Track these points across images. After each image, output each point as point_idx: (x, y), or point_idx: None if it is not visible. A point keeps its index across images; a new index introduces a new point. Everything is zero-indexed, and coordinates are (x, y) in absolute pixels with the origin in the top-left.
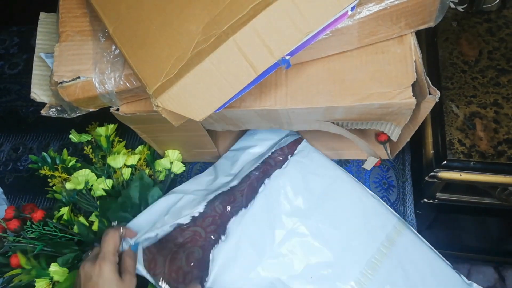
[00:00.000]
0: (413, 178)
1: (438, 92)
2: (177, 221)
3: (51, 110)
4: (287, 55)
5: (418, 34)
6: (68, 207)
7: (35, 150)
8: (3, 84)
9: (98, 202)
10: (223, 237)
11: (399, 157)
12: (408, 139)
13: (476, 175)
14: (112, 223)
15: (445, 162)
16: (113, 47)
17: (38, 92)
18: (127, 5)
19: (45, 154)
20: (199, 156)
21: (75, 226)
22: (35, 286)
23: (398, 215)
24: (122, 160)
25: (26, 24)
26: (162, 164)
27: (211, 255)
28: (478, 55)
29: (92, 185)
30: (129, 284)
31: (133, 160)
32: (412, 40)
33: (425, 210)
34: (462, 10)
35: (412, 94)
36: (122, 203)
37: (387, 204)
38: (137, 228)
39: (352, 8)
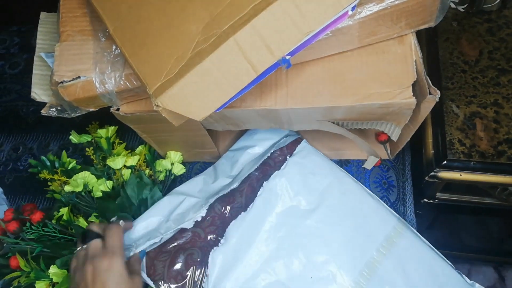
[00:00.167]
0: (413, 178)
1: (438, 92)
2: (180, 225)
3: (51, 109)
4: (287, 55)
5: (419, 34)
6: (67, 207)
7: (35, 150)
8: (4, 84)
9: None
10: (222, 240)
11: (399, 157)
12: (408, 139)
13: (476, 175)
14: (111, 219)
15: (445, 162)
16: (114, 47)
17: (39, 92)
18: (128, 5)
19: (44, 158)
20: (199, 156)
21: (74, 229)
22: (35, 287)
23: (398, 215)
24: (121, 162)
25: (27, 24)
26: (163, 164)
27: (210, 258)
28: (478, 55)
29: (92, 187)
30: (138, 285)
31: (132, 161)
32: (412, 40)
33: (425, 210)
34: (462, 10)
35: (412, 94)
36: (121, 204)
37: (387, 204)
38: (140, 229)
39: (353, 8)
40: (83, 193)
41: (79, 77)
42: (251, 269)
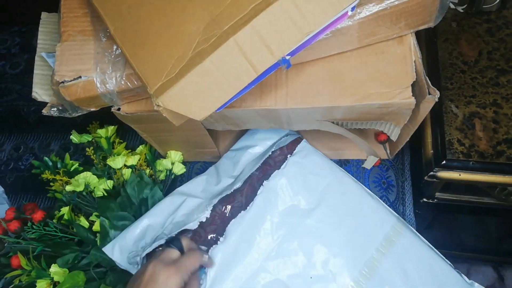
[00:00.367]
0: (413, 178)
1: (438, 92)
2: (185, 226)
3: (52, 109)
4: (287, 55)
5: (418, 34)
6: (68, 206)
7: (36, 149)
8: (5, 84)
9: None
10: (221, 239)
11: (398, 157)
12: (408, 139)
13: (475, 174)
14: (201, 247)
15: (444, 162)
16: (114, 47)
17: (40, 92)
18: (128, 5)
19: (46, 158)
20: (199, 155)
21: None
22: (36, 286)
23: (397, 215)
24: (121, 161)
25: (28, 24)
26: (163, 164)
27: (208, 255)
28: (477, 55)
29: (94, 187)
30: None
31: (133, 160)
32: (412, 41)
33: (425, 210)
34: (462, 11)
35: (411, 94)
36: (121, 203)
37: (386, 203)
38: (143, 229)
39: (352, 9)
40: (84, 193)
41: (80, 77)
42: (251, 268)
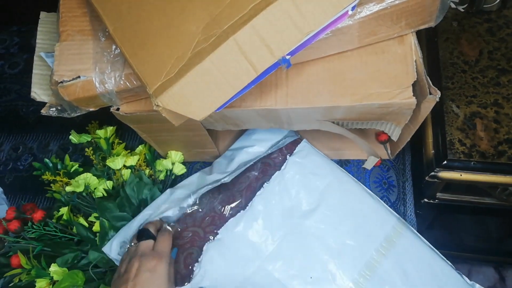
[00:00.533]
0: (414, 178)
1: (439, 92)
2: (165, 213)
3: (51, 109)
4: (287, 54)
5: (419, 34)
6: (67, 207)
7: (35, 149)
8: (3, 84)
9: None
10: (220, 237)
11: (399, 157)
12: (409, 139)
13: (476, 175)
14: (165, 224)
15: (445, 162)
16: (114, 47)
17: (39, 92)
18: (128, 5)
19: (47, 160)
20: (199, 155)
21: (75, 227)
22: (35, 286)
23: (398, 215)
24: (121, 162)
25: (27, 23)
26: (163, 164)
27: (204, 247)
28: (478, 55)
29: (94, 188)
30: None
31: (132, 161)
32: (412, 40)
33: (425, 210)
34: (462, 10)
35: (412, 94)
36: (120, 203)
37: (387, 204)
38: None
39: (353, 8)
40: (84, 194)
41: (79, 76)
42: (250, 268)
